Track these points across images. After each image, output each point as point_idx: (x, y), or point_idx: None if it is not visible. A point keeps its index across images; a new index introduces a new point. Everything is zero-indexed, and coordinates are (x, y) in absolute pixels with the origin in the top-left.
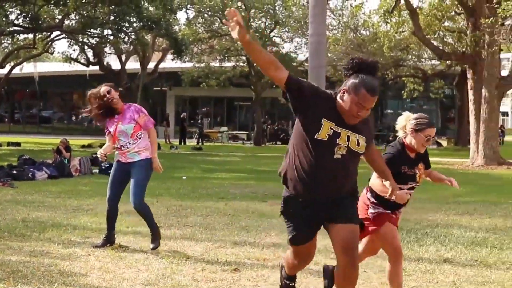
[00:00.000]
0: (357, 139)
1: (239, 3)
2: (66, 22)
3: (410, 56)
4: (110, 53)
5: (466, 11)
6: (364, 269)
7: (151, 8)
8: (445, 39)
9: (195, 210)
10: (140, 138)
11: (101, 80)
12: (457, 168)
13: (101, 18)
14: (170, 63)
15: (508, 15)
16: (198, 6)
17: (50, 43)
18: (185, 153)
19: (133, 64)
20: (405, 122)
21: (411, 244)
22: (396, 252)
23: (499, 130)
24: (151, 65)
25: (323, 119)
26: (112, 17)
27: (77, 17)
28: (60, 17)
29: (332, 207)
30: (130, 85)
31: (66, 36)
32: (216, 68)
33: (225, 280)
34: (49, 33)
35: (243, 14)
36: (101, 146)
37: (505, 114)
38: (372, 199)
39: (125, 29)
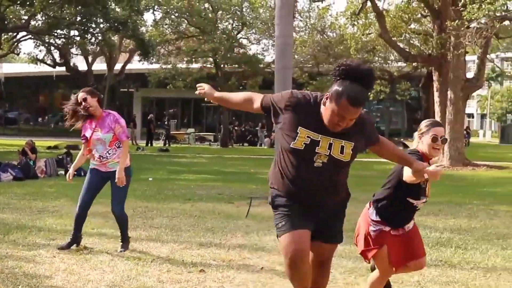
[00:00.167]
0: (342, 146)
1: (206, 5)
2: (32, 22)
3: (376, 58)
4: (77, 54)
5: (432, 14)
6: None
7: (118, 9)
8: (411, 41)
9: (161, 212)
10: (119, 147)
11: (68, 81)
12: None
13: (67, 19)
14: (137, 64)
15: (473, 18)
16: (165, 7)
17: (16, 43)
18: (151, 154)
19: (99, 65)
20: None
21: None
22: (386, 274)
23: (465, 132)
24: (118, 66)
25: (300, 127)
26: (78, 18)
27: (43, 18)
28: (26, 17)
29: (319, 222)
30: (97, 87)
31: (32, 37)
32: (183, 69)
33: (191, 281)
34: (15, 34)
35: (210, 15)
36: (67, 147)
37: (470, 115)
38: (373, 217)
39: (91, 30)
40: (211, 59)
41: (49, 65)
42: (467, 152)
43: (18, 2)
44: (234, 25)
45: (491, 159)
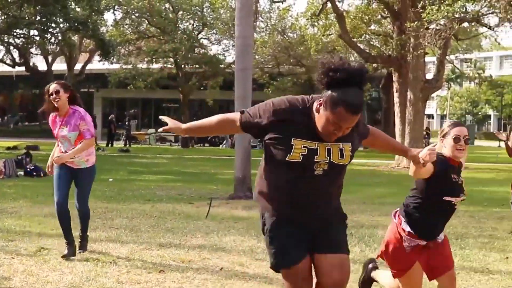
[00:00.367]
0: (340, 150)
1: (167, 5)
2: None
3: None
4: (36, 54)
5: (392, 15)
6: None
7: (78, 9)
8: (371, 42)
9: (121, 212)
10: None
11: (28, 81)
12: (383, 170)
13: (27, 18)
14: (97, 65)
15: (432, 19)
16: (125, 7)
17: None
18: (112, 155)
19: (59, 65)
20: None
21: None
22: None
23: (425, 133)
24: (78, 66)
25: (293, 139)
26: (38, 18)
27: (2, 17)
28: None
29: (317, 233)
30: None
31: None
32: (144, 69)
33: (150, 282)
34: None
35: (170, 15)
36: (26, 148)
37: (430, 116)
38: (409, 229)
39: (51, 29)
40: (171, 60)
41: (8, 65)
42: None
43: None
44: (194, 26)
45: None
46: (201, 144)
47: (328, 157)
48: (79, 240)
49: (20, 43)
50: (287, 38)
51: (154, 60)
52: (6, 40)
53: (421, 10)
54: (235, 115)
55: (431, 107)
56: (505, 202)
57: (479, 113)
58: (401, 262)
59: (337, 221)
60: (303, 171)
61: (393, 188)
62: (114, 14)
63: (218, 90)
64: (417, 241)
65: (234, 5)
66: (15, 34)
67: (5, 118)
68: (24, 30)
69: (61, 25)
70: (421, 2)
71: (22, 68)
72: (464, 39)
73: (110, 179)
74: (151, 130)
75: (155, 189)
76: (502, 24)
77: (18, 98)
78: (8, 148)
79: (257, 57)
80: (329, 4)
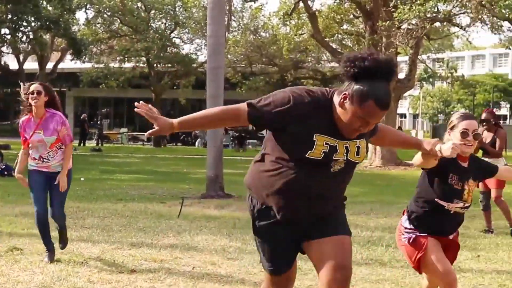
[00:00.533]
0: (357, 147)
1: (139, 4)
2: None
3: (309, 59)
4: (8, 53)
5: (364, 15)
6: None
7: (49, 8)
8: (343, 42)
9: (93, 212)
10: (60, 149)
11: None
12: (355, 169)
13: None
14: (69, 64)
15: (404, 19)
16: (97, 6)
17: None
18: (84, 154)
19: (31, 64)
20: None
21: None
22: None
23: None
24: (49, 65)
25: (316, 134)
26: (9, 16)
27: None
28: None
29: (315, 222)
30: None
31: None
32: (116, 68)
33: (121, 281)
34: None
35: (143, 14)
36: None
37: (403, 115)
38: (406, 224)
39: (22, 28)
40: (144, 59)
41: None
42: (399, 151)
43: None
44: (167, 25)
45: None
46: (174, 143)
47: (346, 155)
48: (59, 242)
49: None
50: (259, 37)
51: (126, 59)
52: None
53: (392, 10)
54: (240, 107)
55: (403, 106)
56: (476, 201)
57: (452, 112)
58: (416, 246)
59: (337, 208)
60: (320, 168)
61: (365, 188)
62: (86, 13)
63: (191, 89)
64: (415, 232)
65: (207, 4)
66: None
67: None
68: None
69: (33, 24)
70: (393, 1)
71: None
72: (436, 39)
73: (82, 179)
74: (124, 129)
75: (127, 189)
76: (474, 24)
77: None
78: None
79: (229, 56)
80: (301, 4)
